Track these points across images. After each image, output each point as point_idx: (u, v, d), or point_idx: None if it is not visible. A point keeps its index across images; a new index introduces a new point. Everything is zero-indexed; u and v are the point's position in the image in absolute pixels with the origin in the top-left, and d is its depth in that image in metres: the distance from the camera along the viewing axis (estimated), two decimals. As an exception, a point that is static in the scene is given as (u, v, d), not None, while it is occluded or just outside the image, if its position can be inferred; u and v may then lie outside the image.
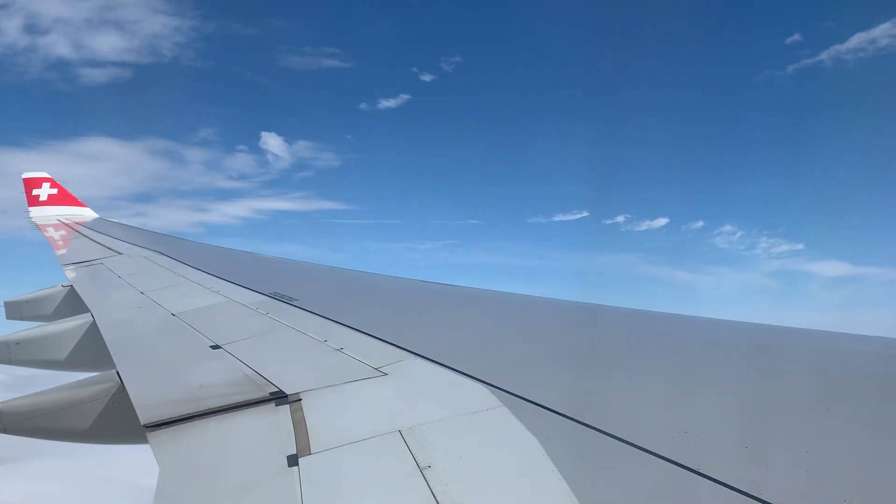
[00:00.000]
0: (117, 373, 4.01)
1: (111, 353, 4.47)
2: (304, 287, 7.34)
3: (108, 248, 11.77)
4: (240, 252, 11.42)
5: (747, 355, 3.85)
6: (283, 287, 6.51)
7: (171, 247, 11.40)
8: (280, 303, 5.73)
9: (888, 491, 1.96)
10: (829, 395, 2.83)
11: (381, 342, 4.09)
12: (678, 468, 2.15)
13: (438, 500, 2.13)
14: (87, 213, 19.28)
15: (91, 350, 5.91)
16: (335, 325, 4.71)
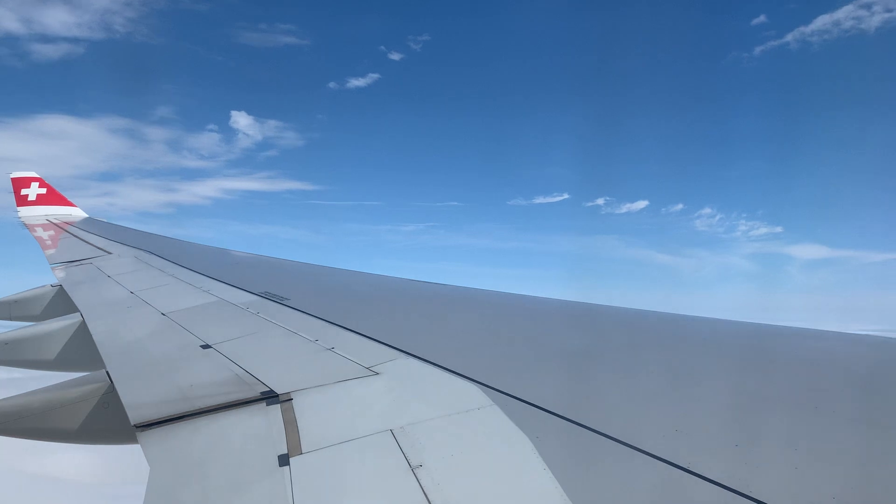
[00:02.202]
0: (107, 372, 3.98)
1: (101, 353, 4.44)
2: (295, 287, 7.32)
3: (98, 248, 11.70)
4: (231, 251, 11.38)
5: (738, 355, 3.88)
6: (273, 287, 6.49)
7: (162, 246, 11.34)
8: (271, 302, 5.72)
9: (875, 488, 1.98)
10: (818, 394, 2.85)
11: (372, 341, 4.08)
12: (669, 466, 2.16)
13: (430, 499, 2.14)
14: (77, 213, 19.18)
15: (80, 350, 5.88)
16: (326, 324, 4.70)
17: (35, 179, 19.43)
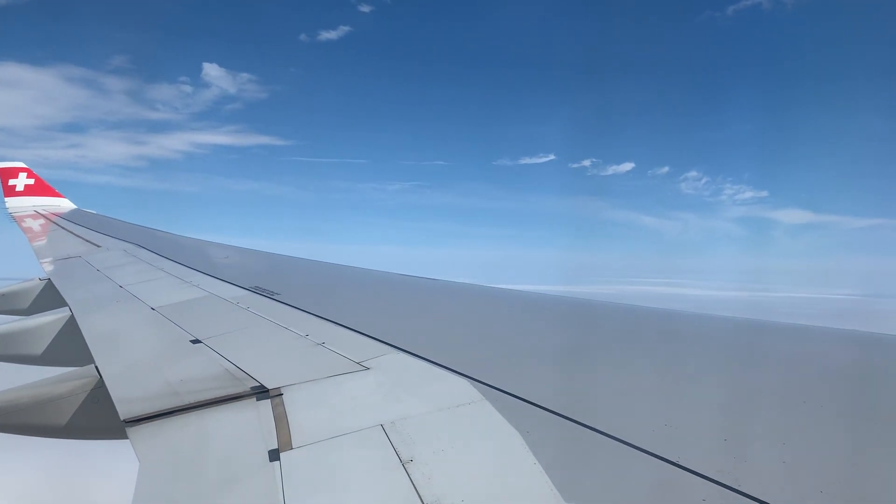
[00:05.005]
0: (96, 367, 3.96)
1: (90, 348, 4.41)
2: (285, 281, 7.30)
3: (87, 241, 11.61)
4: (221, 245, 11.33)
5: (728, 350, 3.90)
6: (264, 281, 6.47)
7: (151, 240, 11.28)
8: (261, 297, 5.70)
9: (863, 483, 2.00)
10: (807, 390, 2.87)
11: (363, 336, 4.08)
12: (659, 461, 2.18)
13: (420, 493, 2.14)
14: (65, 204, 19.04)
15: (69, 345, 5.84)
16: (317, 319, 4.69)
17: (23, 170, 19.26)
